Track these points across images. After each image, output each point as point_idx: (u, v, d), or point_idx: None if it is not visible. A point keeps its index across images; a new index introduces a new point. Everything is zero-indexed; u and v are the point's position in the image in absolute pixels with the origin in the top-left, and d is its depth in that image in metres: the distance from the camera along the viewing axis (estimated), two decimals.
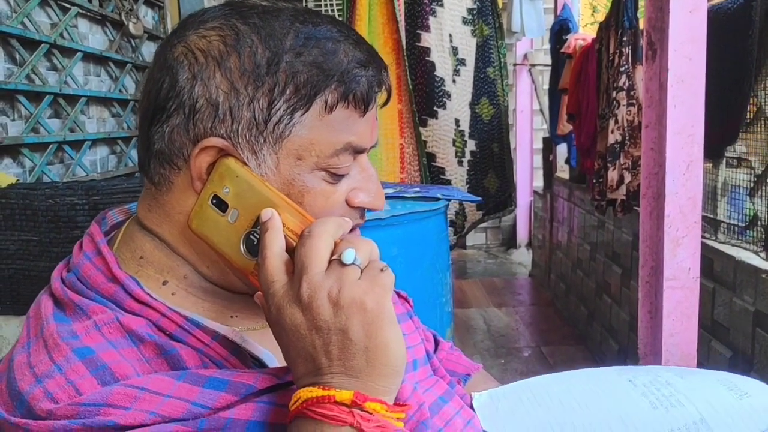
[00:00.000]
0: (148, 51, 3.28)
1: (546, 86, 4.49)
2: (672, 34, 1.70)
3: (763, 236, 1.93)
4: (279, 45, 0.64)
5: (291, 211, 0.64)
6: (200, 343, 0.66)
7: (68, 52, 2.49)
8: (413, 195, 1.92)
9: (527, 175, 5.52)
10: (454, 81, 3.34)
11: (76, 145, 2.54)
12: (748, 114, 1.96)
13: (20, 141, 2.06)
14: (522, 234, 5.76)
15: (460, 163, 3.44)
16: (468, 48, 3.41)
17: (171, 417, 0.58)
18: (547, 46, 4.36)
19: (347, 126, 0.67)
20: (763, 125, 1.91)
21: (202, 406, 0.59)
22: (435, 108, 3.21)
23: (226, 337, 0.67)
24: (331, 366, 0.57)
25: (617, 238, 3.01)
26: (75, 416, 0.56)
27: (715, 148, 2.08)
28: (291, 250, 0.62)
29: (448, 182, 3.35)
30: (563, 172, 4.15)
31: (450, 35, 3.29)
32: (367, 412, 0.56)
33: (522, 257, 5.66)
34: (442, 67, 3.21)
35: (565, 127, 3.42)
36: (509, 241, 5.99)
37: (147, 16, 3.32)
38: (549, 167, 4.35)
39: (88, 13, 2.68)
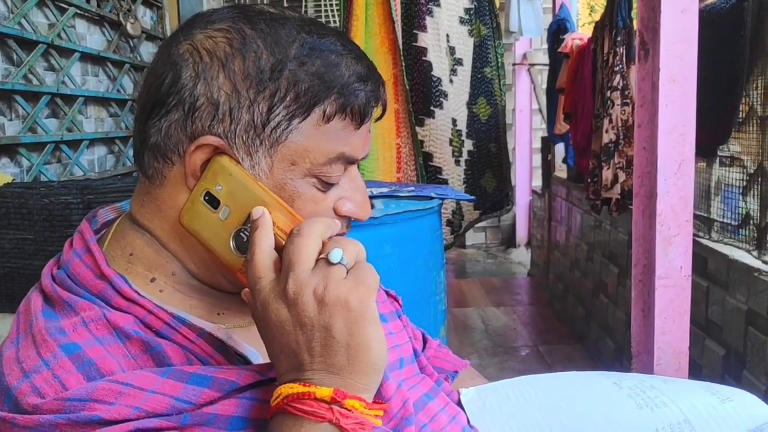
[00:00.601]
0: (147, 51, 3.30)
1: (545, 86, 4.50)
2: (664, 34, 1.71)
3: (755, 235, 1.93)
4: (284, 53, 0.66)
5: (282, 211, 0.66)
6: (186, 340, 0.67)
7: (66, 52, 2.51)
8: (407, 194, 1.93)
9: (526, 175, 5.52)
10: (451, 81, 3.35)
11: (74, 144, 2.55)
12: (740, 114, 1.97)
13: (17, 141, 2.08)
14: (521, 233, 5.77)
15: (457, 162, 3.45)
16: (465, 48, 3.42)
17: (155, 412, 0.59)
18: (546, 45, 4.36)
19: (342, 137, 0.69)
20: (754, 125, 1.91)
21: (185, 402, 0.60)
22: (432, 108, 3.22)
23: (211, 334, 0.69)
24: (313, 362, 0.59)
25: (614, 237, 3.02)
26: (60, 411, 0.57)
27: (708, 148, 2.09)
28: (280, 249, 0.63)
29: (445, 182, 3.36)
30: (561, 171, 4.16)
31: (447, 35, 3.30)
32: (347, 409, 0.57)
33: (521, 257, 5.66)
34: (439, 67, 3.22)
35: (562, 126, 3.43)
36: (508, 240, 5.99)
37: (145, 16, 3.34)
38: (547, 167, 4.36)
39: (86, 14, 2.70)
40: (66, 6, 2.48)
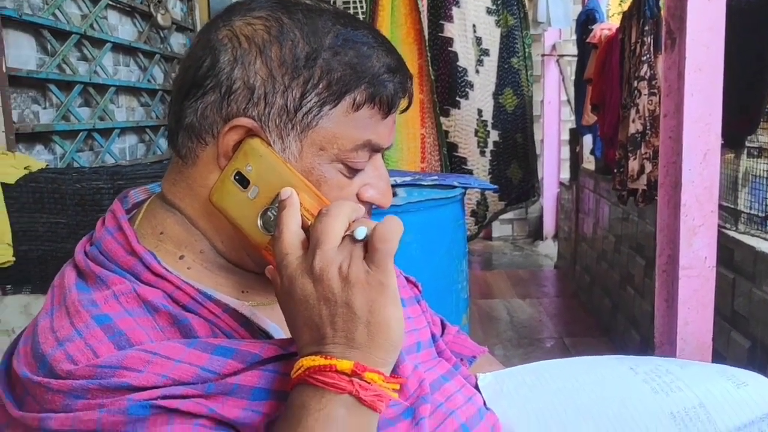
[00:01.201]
0: (177, 42, 3.35)
1: (573, 77, 4.46)
2: (690, 22, 1.69)
3: None
4: (319, 42, 0.69)
5: (309, 193, 0.68)
6: (211, 315, 0.70)
7: (98, 42, 2.56)
8: (430, 183, 1.94)
9: (554, 167, 5.49)
10: (477, 71, 3.34)
11: (106, 133, 2.61)
12: None
13: (51, 128, 2.14)
14: (548, 226, 5.73)
15: (482, 153, 3.44)
16: (492, 38, 3.41)
17: (181, 380, 0.62)
18: (575, 36, 4.32)
19: (369, 125, 0.71)
20: None
21: (210, 372, 0.63)
22: (457, 98, 3.22)
23: (236, 310, 0.71)
24: (335, 336, 0.61)
25: (641, 229, 2.99)
26: (92, 377, 0.60)
27: (736, 138, 2.06)
28: (305, 229, 0.66)
29: (470, 172, 3.36)
30: (589, 163, 4.13)
31: (473, 25, 3.29)
32: (366, 381, 0.59)
33: (548, 249, 5.63)
34: (465, 57, 3.22)
35: (589, 117, 3.40)
36: (536, 232, 5.97)
37: (176, 7, 3.38)
38: (575, 158, 4.33)
39: (118, 5, 2.75)
40: None
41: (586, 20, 3.57)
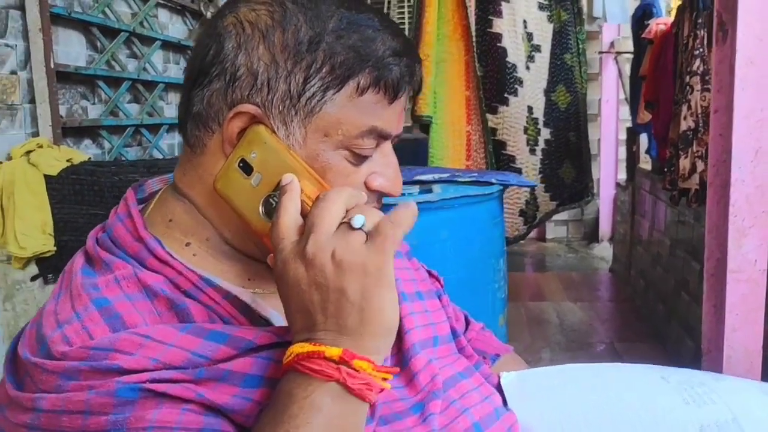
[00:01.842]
0: None
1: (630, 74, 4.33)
2: (742, 13, 1.61)
3: None
4: (322, 26, 0.68)
5: (311, 179, 0.67)
6: (211, 301, 0.69)
7: (147, 40, 2.62)
8: (467, 179, 1.90)
9: (612, 167, 5.33)
10: (527, 68, 3.27)
11: (154, 128, 2.67)
12: None
13: (98, 123, 2.20)
14: (605, 228, 5.58)
15: (532, 151, 3.37)
16: (544, 34, 3.34)
17: (172, 364, 0.61)
18: (632, 32, 4.18)
19: (375, 111, 0.70)
20: None
21: (201, 357, 0.63)
22: (506, 95, 3.16)
23: (237, 297, 0.71)
24: (326, 323, 0.60)
25: (697, 232, 2.87)
26: (85, 358, 0.60)
27: None
28: (305, 215, 0.65)
29: (519, 171, 3.29)
30: (646, 163, 3.99)
31: (524, 21, 3.22)
32: (354, 369, 0.58)
33: (604, 252, 5.48)
34: (515, 53, 3.16)
35: (644, 115, 3.29)
36: (591, 235, 5.81)
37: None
38: (632, 158, 4.19)
39: (169, 3, 2.81)
40: None
41: (643, 15, 3.45)
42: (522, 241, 5.90)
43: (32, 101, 1.86)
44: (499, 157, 3.23)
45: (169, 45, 2.80)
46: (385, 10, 5.69)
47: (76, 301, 0.66)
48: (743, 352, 1.69)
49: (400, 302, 0.85)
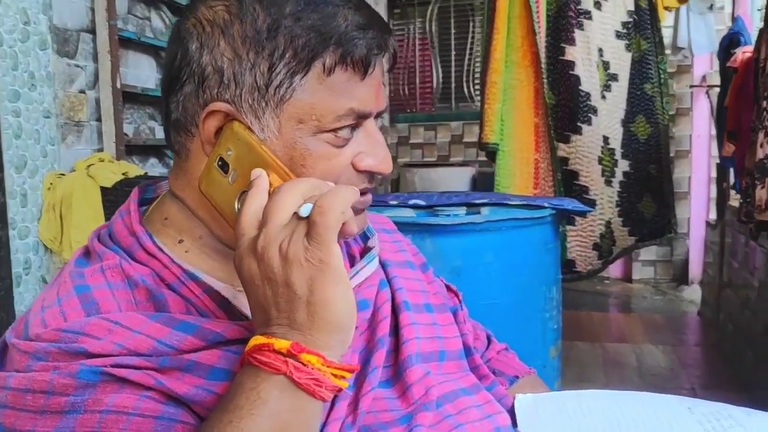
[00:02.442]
0: None
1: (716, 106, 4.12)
2: None
3: None
4: (279, 11, 0.67)
5: (280, 172, 0.66)
6: (192, 294, 0.70)
7: None
8: (517, 203, 1.85)
9: (703, 205, 5.06)
10: (603, 96, 3.17)
11: None
12: None
13: (163, 142, 2.30)
14: (695, 269, 5.27)
15: (608, 183, 3.24)
16: (621, 63, 3.23)
17: (136, 351, 0.62)
18: (719, 62, 3.99)
19: (347, 90, 0.68)
20: None
21: (167, 346, 0.63)
22: (579, 124, 3.07)
23: (218, 292, 0.71)
24: (279, 317, 0.59)
25: None
26: (55, 341, 0.62)
27: None
28: None
29: (593, 202, 3.17)
30: (735, 200, 3.76)
31: (600, 49, 3.14)
32: (302, 363, 0.57)
33: (694, 295, 5.17)
34: (588, 81, 3.07)
35: (729, 147, 3.11)
36: (681, 276, 5.50)
37: None
38: (722, 196, 3.96)
39: None
40: None
41: (730, 44, 3.28)
42: (607, 282, 5.69)
43: (98, 119, 1.96)
44: (571, 187, 3.13)
45: None
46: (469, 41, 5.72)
47: (61, 287, 0.68)
48: None
49: (401, 311, 0.83)
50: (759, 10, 3.67)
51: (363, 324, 0.80)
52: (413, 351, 0.80)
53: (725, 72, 3.25)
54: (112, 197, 1.75)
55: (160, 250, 0.71)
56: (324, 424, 0.68)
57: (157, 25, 2.36)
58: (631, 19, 3.23)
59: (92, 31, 1.93)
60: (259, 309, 0.61)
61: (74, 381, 0.60)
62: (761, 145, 2.04)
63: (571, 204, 1.92)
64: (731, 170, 3.65)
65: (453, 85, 6.14)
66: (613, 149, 3.24)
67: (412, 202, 1.90)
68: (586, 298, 5.10)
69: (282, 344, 0.57)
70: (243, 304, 0.72)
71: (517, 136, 2.97)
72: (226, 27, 0.67)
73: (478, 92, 5.52)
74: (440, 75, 6.27)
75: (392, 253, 0.93)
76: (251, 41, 0.66)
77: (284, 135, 0.68)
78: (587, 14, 3.06)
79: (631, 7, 3.23)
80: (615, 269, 5.56)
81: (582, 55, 3.04)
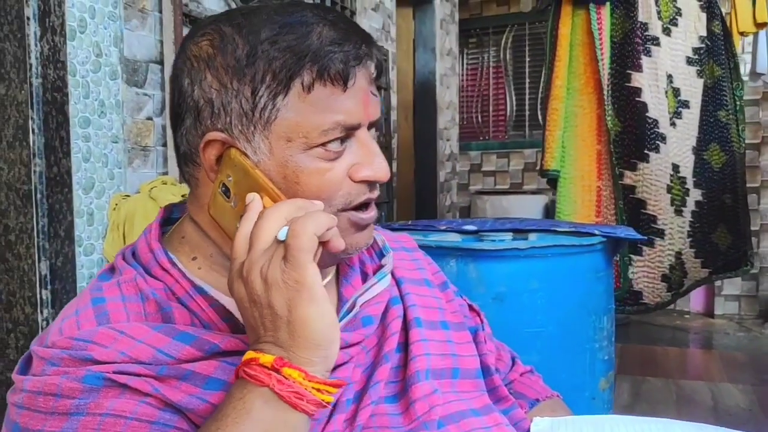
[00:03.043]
0: None
1: None
2: None
3: None
4: (256, 38, 0.70)
5: (272, 195, 0.69)
6: (198, 308, 0.74)
7: None
8: (566, 229, 1.82)
9: None
10: (673, 124, 3.08)
11: None
12: None
13: None
14: None
15: (678, 212, 3.13)
16: (693, 89, 3.13)
17: (138, 359, 0.66)
18: None
19: (331, 104, 0.70)
20: None
21: (166, 355, 0.67)
22: (646, 151, 2.99)
23: (223, 306, 0.74)
24: (266, 335, 0.62)
25: None
26: (68, 348, 0.67)
27: None
28: None
29: (661, 232, 3.07)
30: None
31: (669, 75, 3.06)
32: (284, 376, 0.60)
33: None
34: (656, 108, 2.99)
35: None
36: (767, 312, 5.21)
37: None
38: None
39: None
40: None
41: None
42: (687, 316, 5.45)
43: (164, 144, 2.07)
44: (638, 216, 3.03)
45: None
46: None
47: (81, 300, 0.73)
48: None
49: (411, 327, 0.85)
50: None
51: (370, 341, 0.81)
52: (422, 367, 0.81)
53: None
54: None
55: (174, 265, 0.75)
56: None
57: None
58: (703, 45, 3.14)
59: (160, 62, 2.06)
60: (250, 328, 0.64)
61: (80, 385, 0.64)
62: None
63: (624, 232, 1.87)
64: None
65: (527, 112, 6.11)
66: (684, 177, 3.13)
67: (459, 227, 1.91)
68: (665, 333, 4.89)
69: (267, 359, 0.60)
70: None
71: (579, 163, 2.92)
72: (211, 60, 0.71)
73: None
74: (514, 102, 6.25)
75: (409, 271, 0.94)
76: (233, 70, 0.70)
77: (276, 155, 0.71)
78: (655, 40, 2.99)
79: (703, 33, 3.14)
80: (696, 304, 5.33)
81: (649, 81, 2.97)
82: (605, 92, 2.91)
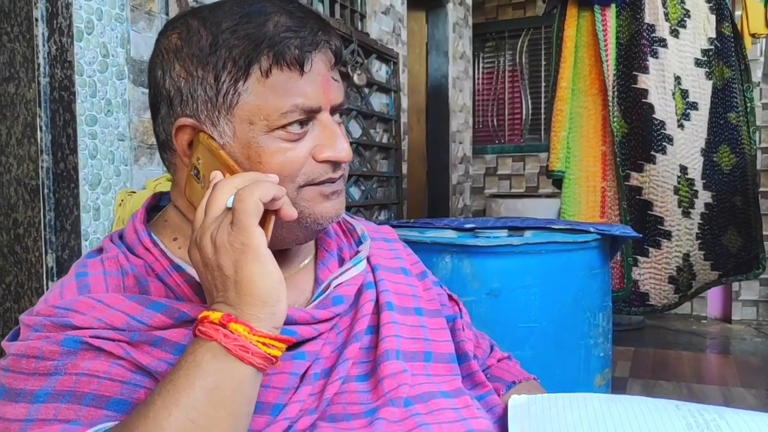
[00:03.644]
0: (379, 101, 3.61)
1: None
2: None
3: None
4: (218, 28, 0.76)
5: (234, 172, 0.74)
6: (174, 283, 0.80)
7: None
8: (562, 227, 1.84)
9: None
10: (681, 125, 3.07)
11: None
12: None
13: None
14: None
15: (686, 214, 3.12)
16: (701, 91, 3.13)
17: (112, 325, 0.72)
18: None
19: (289, 88, 0.75)
20: None
21: (139, 322, 0.73)
22: (653, 153, 2.98)
23: (198, 282, 0.79)
24: (218, 296, 0.68)
25: None
26: (50, 315, 0.73)
27: None
28: None
29: (668, 234, 3.06)
30: None
31: (677, 77, 3.05)
32: (230, 331, 0.64)
33: None
34: (663, 109, 2.99)
35: None
36: None
37: (381, 70, 3.66)
38: None
39: None
40: None
41: None
42: (704, 321, 5.39)
43: None
44: (644, 217, 3.03)
45: None
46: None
47: (67, 275, 0.80)
48: None
49: (383, 310, 0.89)
50: None
51: (343, 322, 0.86)
52: (391, 347, 0.85)
53: None
54: None
55: (156, 245, 0.81)
56: (285, 405, 0.75)
57: None
58: (712, 47, 3.13)
59: None
60: (207, 291, 0.69)
61: (59, 348, 0.70)
62: None
63: (619, 230, 1.89)
64: None
65: (542, 116, 6.11)
66: (693, 179, 3.12)
67: (456, 224, 1.93)
68: (681, 338, 4.86)
69: (215, 316, 0.65)
70: None
71: (584, 164, 2.93)
72: (178, 51, 0.77)
73: None
74: (530, 106, 6.26)
75: (386, 259, 0.98)
76: (198, 59, 0.76)
77: (239, 137, 0.76)
78: (662, 42, 2.99)
79: (713, 35, 3.13)
80: (714, 309, 5.28)
81: (656, 83, 2.97)
82: (610, 94, 2.92)
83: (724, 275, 3.28)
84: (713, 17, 3.13)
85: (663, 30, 2.99)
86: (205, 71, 0.75)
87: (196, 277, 0.78)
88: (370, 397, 0.82)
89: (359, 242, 0.97)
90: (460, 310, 1.06)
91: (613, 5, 2.93)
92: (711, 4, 3.14)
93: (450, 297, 1.07)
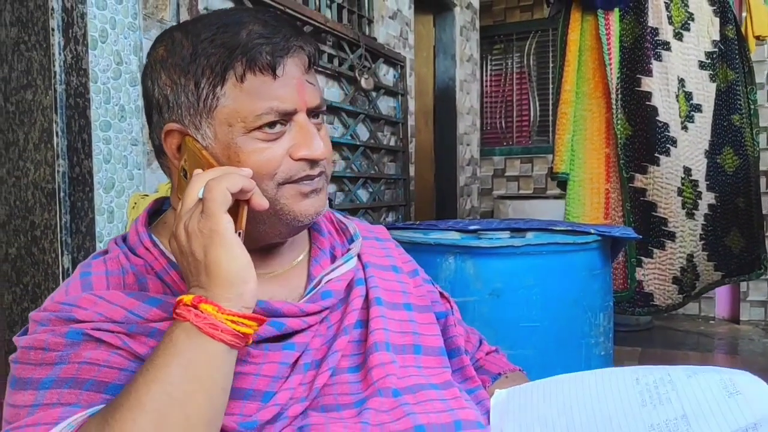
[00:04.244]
0: (387, 105, 3.66)
1: None
2: None
3: None
4: (197, 39, 0.83)
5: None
6: (172, 280, 0.85)
7: None
8: (562, 228, 1.88)
9: None
10: (685, 127, 3.10)
11: None
12: None
13: None
14: None
15: (690, 215, 3.15)
16: (705, 93, 3.15)
17: (112, 319, 0.78)
18: None
19: (263, 92, 0.81)
20: None
21: (136, 315, 0.79)
22: (657, 155, 3.02)
23: None
24: (193, 281, 0.74)
25: None
26: (55, 311, 0.80)
27: None
28: None
29: (672, 235, 3.09)
30: None
31: (681, 80, 3.08)
32: (201, 311, 0.70)
33: None
34: (667, 112, 3.02)
35: None
36: None
37: (388, 74, 3.71)
38: None
39: (326, 71, 3.13)
40: None
41: None
42: (712, 322, 5.40)
43: None
44: (648, 219, 3.06)
45: (327, 107, 3.10)
46: None
47: (72, 275, 0.86)
48: None
49: (372, 305, 0.94)
50: None
51: (334, 316, 0.91)
52: (380, 339, 0.90)
53: None
54: None
55: (156, 246, 0.87)
56: (276, 392, 0.80)
57: None
58: (716, 50, 3.16)
59: None
60: (185, 277, 0.75)
61: (63, 340, 0.76)
62: None
63: (620, 231, 1.93)
64: None
65: (550, 118, 6.13)
66: (697, 181, 3.15)
67: (460, 226, 1.98)
68: (689, 339, 4.87)
69: (188, 298, 0.71)
70: None
71: (588, 166, 2.97)
72: (164, 62, 0.84)
73: None
74: (538, 108, 6.28)
75: (377, 257, 1.03)
76: (180, 68, 0.82)
77: (220, 138, 0.82)
78: (666, 45, 3.02)
79: (717, 37, 3.16)
80: (722, 309, 5.29)
81: (660, 85, 3.00)
82: (614, 96, 2.96)
83: (727, 276, 3.31)
84: (717, 20, 3.16)
85: (666, 33, 3.02)
86: (187, 79, 0.82)
87: None
88: (360, 387, 0.87)
89: (351, 240, 1.02)
90: (452, 306, 1.10)
91: (617, 9, 2.96)
92: (715, 7, 3.17)
93: (441, 294, 1.11)
